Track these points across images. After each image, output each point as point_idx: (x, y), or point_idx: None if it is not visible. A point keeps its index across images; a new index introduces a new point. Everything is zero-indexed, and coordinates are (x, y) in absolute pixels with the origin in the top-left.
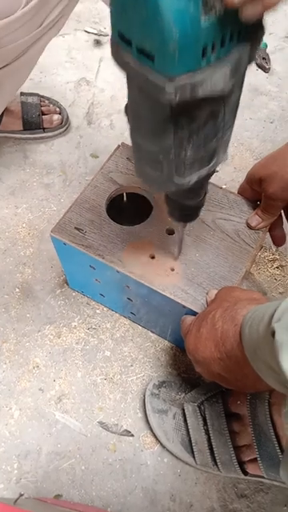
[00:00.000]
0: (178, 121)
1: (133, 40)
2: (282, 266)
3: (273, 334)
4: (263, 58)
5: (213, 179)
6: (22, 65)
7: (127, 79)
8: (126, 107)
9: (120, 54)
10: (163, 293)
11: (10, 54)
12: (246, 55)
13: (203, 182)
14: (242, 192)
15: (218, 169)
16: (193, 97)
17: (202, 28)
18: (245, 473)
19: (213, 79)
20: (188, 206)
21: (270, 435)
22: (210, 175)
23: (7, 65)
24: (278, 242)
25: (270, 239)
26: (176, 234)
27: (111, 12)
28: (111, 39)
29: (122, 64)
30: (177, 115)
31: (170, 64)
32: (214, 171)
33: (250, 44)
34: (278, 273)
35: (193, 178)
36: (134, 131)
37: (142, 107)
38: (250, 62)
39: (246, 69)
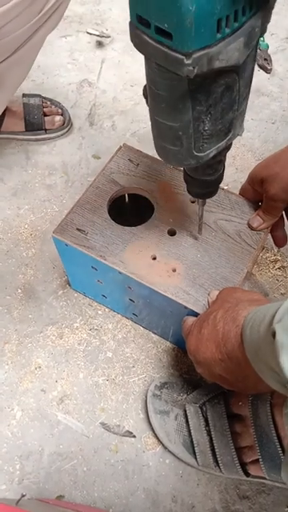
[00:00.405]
0: (196, 95)
1: (151, 21)
2: (283, 267)
3: (274, 334)
4: (265, 59)
5: None
6: (22, 57)
7: (146, 60)
8: (145, 89)
9: (139, 36)
10: (165, 294)
11: (9, 45)
12: (257, 27)
13: (221, 156)
14: (243, 193)
15: None
16: (210, 69)
17: (216, 2)
18: (247, 474)
19: (228, 51)
20: (207, 181)
21: (271, 436)
22: (227, 148)
23: (7, 58)
24: (279, 243)
25: (272, 240)
26: (197, 211)
27: None
28: (130, 23)
29: (140, 45)
30: (194, 90)
31: (187, 40)
32: (231, 144)
33: (262, 16)
34: (279, 274)
35: (211, 152)
36: (154, 110)
37: (161, 85)
38: (261, 34)
39: (258, 41)
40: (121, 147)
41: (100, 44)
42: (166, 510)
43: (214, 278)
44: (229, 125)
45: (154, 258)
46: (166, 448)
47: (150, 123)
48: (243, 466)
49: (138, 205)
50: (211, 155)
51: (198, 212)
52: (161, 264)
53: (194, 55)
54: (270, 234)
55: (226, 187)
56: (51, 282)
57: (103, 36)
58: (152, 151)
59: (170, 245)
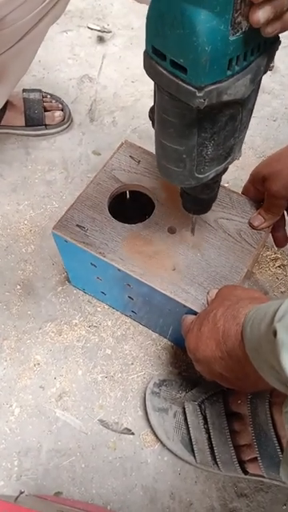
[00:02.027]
0: (202, 123)
1: (167, 54)
2: (283, 265)
3: (274, 333)
4: None
5: None
6: (25, 48)
7: (157, 88)
8: (151, 113)
9: (153, 66)
10: (164, 292)
11: (12, 35)
12: (263, 65)
13: (218, 178)
14: (245, 192)
15: None
16: (218, 101)
17: (229, 44)
18: (245, 472)
19: (236, 87)
20: (202, 199)
21: (270, 435)
22: (224, 171)
23: (10, 48)
24: (279, 243)
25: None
26: (191, 222)
27: (147, 29)
28: (144, 52)
29: (154, 75)
30: (201, 119)
31: (201, 75)
32: (227, 167)
33: (267, 56)
34: (279, 272)
35: (211, 174)
36: (161, 133)
37: (171, 113)
38: (265, 71)
39: (262, 76)
40: (122, 144)
41: (101, 39)
42: (163, 507)
43: (214, 276)
44: (229, 150)
45: (154, 256)
46: (164, 445)
47: (150, 120)
48: (241, 464)
49: (139, 202)
50: (210, 177)
51: (191, 220)
52: (160, 262)
53: (206, 89)
54: (270, 234)
55: (226, 185)
56: (50, 278)
57: (104, 31)
58: (153, 148)
59: (169, 243)
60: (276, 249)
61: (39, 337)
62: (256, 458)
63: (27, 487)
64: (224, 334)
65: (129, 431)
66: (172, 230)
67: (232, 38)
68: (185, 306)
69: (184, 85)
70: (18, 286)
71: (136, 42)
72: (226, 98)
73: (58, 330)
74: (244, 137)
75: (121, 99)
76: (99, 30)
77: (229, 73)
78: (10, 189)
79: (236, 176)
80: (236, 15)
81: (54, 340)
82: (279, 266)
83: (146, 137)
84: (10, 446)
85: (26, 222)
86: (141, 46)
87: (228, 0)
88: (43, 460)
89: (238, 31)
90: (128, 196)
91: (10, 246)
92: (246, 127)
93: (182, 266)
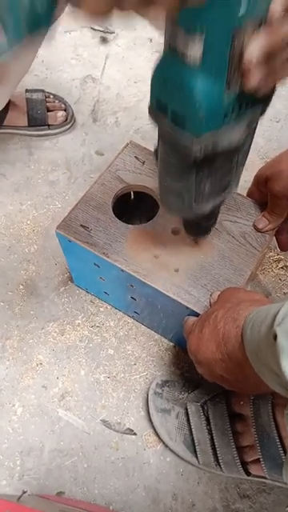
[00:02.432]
0: (200, 167)
1: (169, 106)
2: (286, 267)
3: (274, 337)
4: None
5: None
6: (26, 47)
7: (160, 135)
8: (156, 152)
9: (156, 116)
10: (167, 293)
11: None
12: (258, 113)
13: (216, 209)
14: (250, 194)
15: None
16: (214, 151)
17: (224, 102)
18: (247, 473)
19: (230, 136)
20: (202, 226)
21: (273, 436)
22: (222, 202)
23: None
24: (284, 246)
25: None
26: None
27: (152, 84)
28: (149, 104)
29: (158, 123)
30: (199, 163)
31: (197, 126)
32: (224, 200)
33: (263, 105)
34: (282, 273)
35: (208, 207)
36: (162, 172)
37: (171, 157)
38: (261, 115)
39: (257, 123)
40: (127, 144)
41: (104, 40)
42: (166, 508)
43: (217, 279)
44: (225, 185)
45: (157, 257)
46: (166, 446)
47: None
48: (244, 465)
49: (143, 203)
50: (208, 209)
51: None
52: (163, 263)
53: (202, 138)
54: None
55: None
56: (53, 278)
57: (107, 32)
58: None
59: (173, 244)
60: (279, 250)
61: (42, 337)
62: (258, 459)
63: (29, 487)
64: (224, 336)
65: (131, 431)
66: (176, 232)
67: (227, 96)
68: (187, 308)
69: (182, 137)
70: (21, 286)
71: (139, 42)
72: (221, 147)
73: (61, 329)
74: (241, 173)
75: (124, 100)
76: (102, 31)
77: (225, 122)
78: (13, 189)
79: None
80: (230, 77)
81: (57, 340)
82: (282, 268)
83: (149, 137)
84: (13, 446)
85: (28, 222)
86: (144, 46)
87: (223, 64)
88: (45, 460)
89: (232, 91)
90: (132, 197)
91: (12, 245)
92: (243, 165)
93: (186, 268)
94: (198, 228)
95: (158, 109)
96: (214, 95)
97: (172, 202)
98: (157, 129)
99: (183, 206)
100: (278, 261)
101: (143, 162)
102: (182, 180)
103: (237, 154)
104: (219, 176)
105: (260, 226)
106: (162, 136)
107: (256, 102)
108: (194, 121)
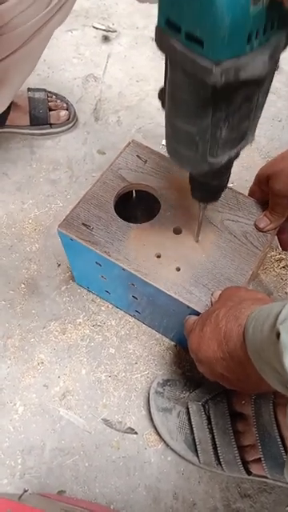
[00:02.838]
0: (218, 103)
1: (182, 26)
2: None
3: (278, 335)
4: None
5: None
6: (30, 51)
7: (170, 64)
8: (161, 92)
9: (165, 40)
10: (168, 292)
11: (17, 38)
12: (282, 42)
13: (230, 163)
14: (251, 194)
15: None
16: (235, 79)
17: (250, 16)
18: (248, 473)
19: (254, 63)
20: (213, 186)
21: (274, 435)
22: (237, 156)
23: (14, 52)
24: (285, 245)
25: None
26: (198, 215)
27: (160, 0)
28: (157, 26)
29: (166, 49)
30: (217, 98)
31: (218, 49)
32: (239, 152)
33: (286, 31)
34: (284, 272)
35: (224, 158)
36: (173, 113)
37: (184, 90)
38: (284, 48)
39: (280, 55)
40: (129, 143)
41: (106, 38)
42: (166, 507)
43: (218, 278)
44: (243, 133)
45: (159, 256)
46: (167, 445)
47: (155, 119)
48: (245, 464)
49: (145, 202)
50: (223, 161)
51: (198, 216)
52: (165, 262)
53: (223, 64)
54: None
55: (231, 185)
56: (55, 277)
57: (109, 30)
58: (158, 147)
59: (175, 243)
60: (281, 249)
61: (43, 336)
62: (260, 458)
63: (30, 485)
64: (226, 334)
65: (132, 431)
66: (177, 231)
67: (253, 9)
68: (188, 307)
69: (200, 60)
70: (23, 285)
71: (141, 41)
72: (243, 75)
73: (62, 328)
74: (258, 120)
75: (126, 99)
76: (104, 30)
77: (248, 48)
78: (15, 188)
79: (241, 176)
80: None
81: (58, 339)
82: (284, 267)
83: (151, 136)
84: (14, 445)
85: (30, 221)
86: (146, 45)
87: None
88: (47, 458)
89: (260, 3)
90: (134, 195)
91: (14, 244)
92: (261, 109)
93: (187, 267)
94: (208, 190)
95: (168, 28)
96: (238, 7)
97: (183, 152)
98: (167, 71)
99: (196, 157)
100: (280, 260)
101: (145, 161)
102: (195, 123)
103: (258, 92)
104: (237, 119)
105: (261, 225)
106: (173, 64)
107: (280, 25)
108: (214, 41)
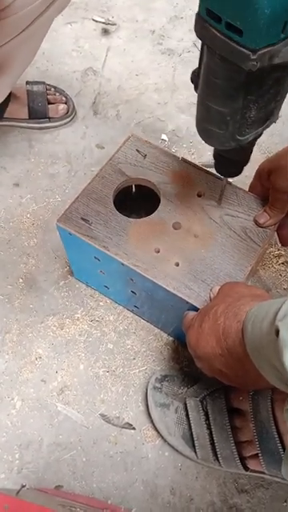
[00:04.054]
0: (250, 86)
1: (223, 17)
2: (287, 262)
3: (277, 332)
4: None
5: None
6: (29, 39)
7: (208, 50)
8: (194, 75)
9: (205, 28)
10: (167, 287)
11: (17, 23)
12: None
13: (255, 140)
14: (252, 189)
15: None
16: (269, 65)
17: (286, 7)
18: (246, 468)
19: (286, 50)
20: (236, 161)
21: (271, 432)
22: (261, 134)
23: (14, 38)
24: (285, 241)
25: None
26: (221, 187)
27: None
28: (197, 14)
29: (206, 37)
30: (249, 82)
31: (257, 38)
32: (262, 132)
33: None
34: (283, 269)
35: (251, 136)
36: (206, 95)
37: (220, 75)
38: None
39: None
40: (129, 137)
41: (105, 32)
42: (164, 502)
43: (217, 274)
44: (269, 113)
45: (158, 251)
46: (165, 441)
47: (154, 113)
48: (242, 460)
49: (144, 196)
50: (250, 139)
51: (222, 187)
52: (164, 257)
53: (259, 52)
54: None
55: (230, 180)
56: (53, 272)
57: (109, 23)
58: (157, 142)
59: (174, 238)
60: (279, 245)
61: (41, 330)
62: (257, 454)
63: (28, 480)
64: (224, 331)
65: (130, 426)
66: (177, 226)
67: None
68: (187, 302)
69: (238, 47)
70: (21, 280)
71: (140, 34)
72: (277, 60)
73: (60, 323)
74: (283, 101)
75: (125, 92)
76: (104, 23)
77: (282, 36)
78: (13, 182)
79: None
80: None
81: (56, 334)
82: (283, 263)
83: (150, 130)
84: (11, 439)
85: (28, 216)
86: (145, 39)
87: None
88: (44, 453)
89: None
90: (133, 190)
91: (12, 239)
92: (287, 92)
93: (186, 262)
94: (232, 165)
95: (208, 17)
96: (278, 1)
97: (214, 130)
98: (203, 64)
99: (225, 135)
100: (279, 256)
101: (145, 156)
102: (228, 104)
103: (286, 75)
104: (266, 100)
105: (261, 220)
106: (210, 50)
107: None
108: (253, 30)
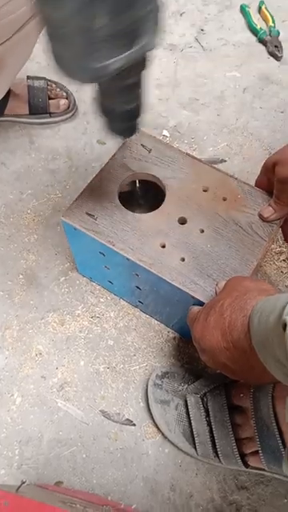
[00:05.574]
0: None
1: None
2: None
3: (284, 326)
4: (275, 46)
5: (221, 169)
6: (24, 38)
7: None
8: None
9: None
10: (172, 282)
11: (10, 25)
12: None
13: (132, 77)
14: (258, 183)
15: (226, 158)
16: None
17: None
18: (246, 465)
19: None
20: (123, 112)
21: (272, 429)
22: (140, 66)
23: (7, 40)
24: None
25: (282, 234)
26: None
27: None
28: None
29: None
30: None
31: None
32: (145, 62)
33: None
34: (284, 265)
35: (112, 64)
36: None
37: None
38: None
39: None
40: None
41: None
42: (164, 499)
43: (223, 268)
44: (134, 27)
45: (163, 246)
46: (165, 437)
47: (155, 109)
48: (243, 457)
49: (149, 191)
50: (112, 68)
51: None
52: (169, 252)
53: None
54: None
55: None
56: (53, 268)
57: None
58: (158, 137)
59: (179, 233)
60: (281, 242)
61: (41, 327)
62: (257, 451)
63: (28, 476)
64: (230, 324)
65: (130, 422)
66: (182, 221)
67: None
68: (193, 297)
69: None
70: (21, 276)
71: None
72: None
73: (61, 320)
74: (159, 12)
75: None
76: None
77: None
78: (14, 177)
79: (242, 168)
80: None
81: (57, 330)
82: (284, 260)
83: (152, 126)
84: (12, 435)
85: (29, 211)
86: None
87: None
88: (44, 449)
89: None
90: (138, 185)
91: (12, 235)
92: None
93: (192, 257)
94: (119, 117)
95: None
96: None
97: (59, 51)
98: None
99: (74, 58)
100: (280, 253)
101: (149, 150)
102: (57, 3)
103: None
104: (120, 5)
105: (265, 214)
106: None
107: None
108: None
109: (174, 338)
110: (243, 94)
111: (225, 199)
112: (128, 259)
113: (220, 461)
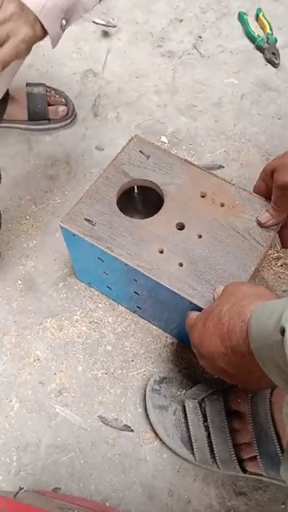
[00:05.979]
0: None
1: None
2: (286, 264)
3: (282, 331)
4: (272, 53)
5: (219, 175)
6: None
7: None
8: None
9: None
10: (170, 288)
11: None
12: None
13: None
14: (257, 189)
15: (224, 164)
16: None
17: None
18: (244, 470)
19: None
20: None
21: (270, 434)
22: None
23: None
24: (286, 243)
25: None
26: None
27: None
28: None
29: None
30: None
31: None
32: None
33: None
34: (282, 271)
35: None
36: None
37: None
38: None
39: None
40: (132, 138)
41: (106, 34)
42: (162, 505)
43: (221, 274)
44: None
45: (162, 252)
46: (163, 443)
47: (154, 115)
48: (240, 462)
49: (148, 197)
50: None
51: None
52: (168, 258)
53: None
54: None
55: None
56: (52, 273)
57: (109, 26)
58: (157, 144)
59: (177, 239)
60: (279, 248)
61: (40, 332)
62: (255, 456)
63: (26, 482)
64: (229, 330)
65: (128, 428)
66: (180, 226)
67: None
68: (191, 303)
69: None
70: (19, 281)
71: (141, 36)
72: None
73: (59, 325)
74: None
75: (125, 94)
76: (104, 25)
77: None
78: (13, 183)
79: (240, 174)
80: None
81: (55, 336)
82: (281, 265)
83: (150, 133)
84: (9, 441)
85: (27, 217)
86: (146, 41)
87: None
88: (42, 455)
89: None
90: (137, 191)
91: (11, 240)
92: None
93: (190, 263)
94: None
95: None
96: None
97: None
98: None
99: None
100: (278, 259)
101: (148, 157)
102: None
103: None
104: None
105: (263, 220)
106: None
107: None
108: None
109: (172, 344)
110: (241, 100)
111: (223, 205)
112: (126, 264)
113: (218, 466)
